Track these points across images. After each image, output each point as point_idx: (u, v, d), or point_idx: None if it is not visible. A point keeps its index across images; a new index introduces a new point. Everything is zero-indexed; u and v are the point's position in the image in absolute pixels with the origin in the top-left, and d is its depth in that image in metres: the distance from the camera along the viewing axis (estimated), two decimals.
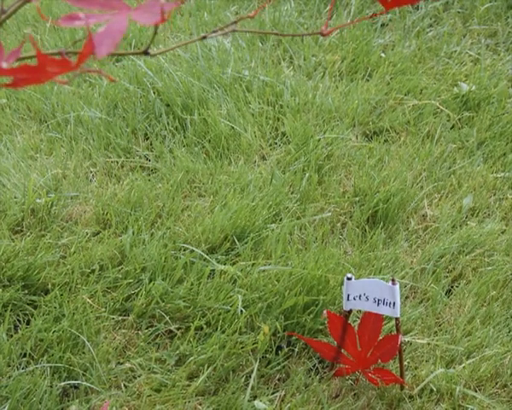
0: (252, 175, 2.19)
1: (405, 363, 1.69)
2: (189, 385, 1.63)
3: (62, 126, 2.40)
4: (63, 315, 1.73)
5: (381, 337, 1.56)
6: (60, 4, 3.25)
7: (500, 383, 1.67)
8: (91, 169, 2.24)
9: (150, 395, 1.60)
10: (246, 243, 1.96)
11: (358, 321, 1.62)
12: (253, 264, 1.89)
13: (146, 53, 0.73)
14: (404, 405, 1.60)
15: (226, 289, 1.81)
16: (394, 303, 1.51)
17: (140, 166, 2.25)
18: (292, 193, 2.17)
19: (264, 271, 1.85)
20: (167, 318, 1.76)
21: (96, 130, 2.35)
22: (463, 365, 1.69)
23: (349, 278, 1.53)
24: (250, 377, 1.64)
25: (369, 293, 1.52)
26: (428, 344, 1.74)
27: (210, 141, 2.36)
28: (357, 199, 2.16)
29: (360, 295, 1.54)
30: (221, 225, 1.98)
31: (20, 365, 1.63)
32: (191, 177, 2.20)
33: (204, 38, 0.74)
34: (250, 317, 1.76)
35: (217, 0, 3.25)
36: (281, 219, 2.06)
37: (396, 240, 2.04)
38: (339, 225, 2.09)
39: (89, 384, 1.60)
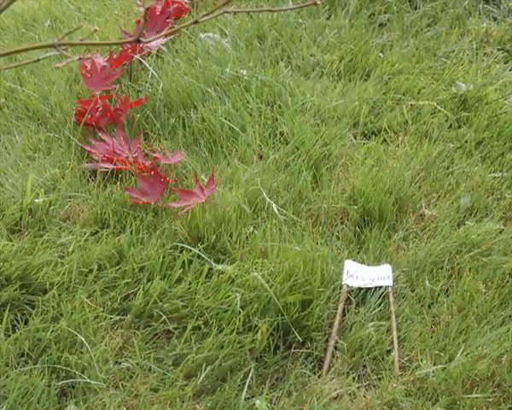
0: (249, 174, 2.19)
1: (403, 361, 1.69)
2: (186, 385, 1.63)
3: (60, 126, 2.39)
4: (61, 315, 1.73)
5: None
6: (58, 5, 3.25)
7: (497, 382, 1.67)
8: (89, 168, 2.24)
9: (148, 395, 1.60)
10: (243, 242, 1.96)
11: None
12: (251, 263, 1.89)
13: (138, 41, 0.75)
14: (402, 404, 1.60)
15: (224, 289, 1.81)
16: (388, 276, 1.83)
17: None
18: (289, 192, 2.17)
19: (261, 270, 1.85)
20: (165, 317, 1.76)
21: None
22: (460, 364, 1.69)
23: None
24: (247, 376, 1.64)
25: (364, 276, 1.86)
26: (425, 343, 1.75)
27: (208, 140, 2.36)
28: (355, 198, 2.16)
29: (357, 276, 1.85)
30: (219, 224, 1.98)
31: (17, 364, 1.63)
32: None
33: (196, 22, 0.76)
34: (248, 316, 1.76)
35: (215, 0, 3.26)
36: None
37: (393, 239, 2.04)
38: (336, 224, 2.09)
39: (87, 380, 1.60)
